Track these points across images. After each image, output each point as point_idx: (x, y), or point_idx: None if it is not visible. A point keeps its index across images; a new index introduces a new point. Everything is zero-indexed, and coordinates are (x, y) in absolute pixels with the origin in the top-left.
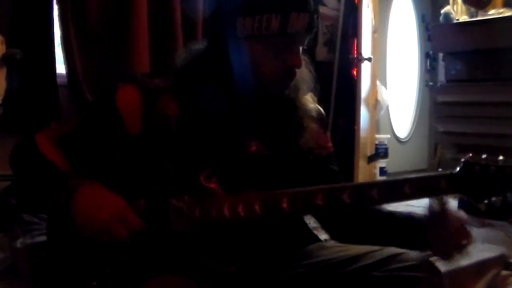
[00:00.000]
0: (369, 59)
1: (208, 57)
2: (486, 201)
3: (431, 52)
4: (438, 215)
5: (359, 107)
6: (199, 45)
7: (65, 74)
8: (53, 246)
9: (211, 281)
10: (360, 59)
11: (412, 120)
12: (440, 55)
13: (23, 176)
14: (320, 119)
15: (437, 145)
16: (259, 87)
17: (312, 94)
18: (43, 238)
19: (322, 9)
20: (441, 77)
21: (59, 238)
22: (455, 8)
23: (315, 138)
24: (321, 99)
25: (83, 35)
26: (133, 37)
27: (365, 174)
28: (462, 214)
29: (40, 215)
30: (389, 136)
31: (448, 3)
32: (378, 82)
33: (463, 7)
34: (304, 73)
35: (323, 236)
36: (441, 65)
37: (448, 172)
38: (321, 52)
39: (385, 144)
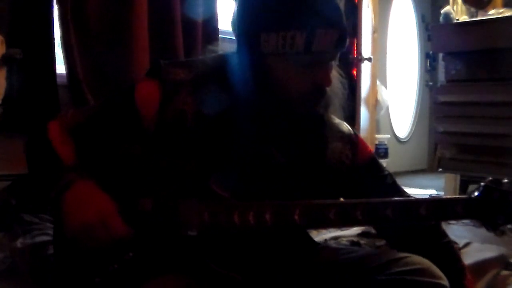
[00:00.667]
0: (369, 59)
1: (234, 65)
2: (501, 228)
3: (431, 52)
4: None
5: (359, 107)
6: (233, 51)
7: (65, 74)
8: (58, 241)
9: (214, 285)
10: (360, 59)
11: (412, 120)
12: (440, 55)
13: (29, 162)
14: (349, 141)
15: (437, 145)
16: (284, 104)
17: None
18: (43, 238)
19: None
20: (441, 77)
21: (63, 233)
22: (455, 8)
23: (338, 157)
24: None
25: (83, 35)
26: (133, 37)
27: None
28: None
29: (40, 215)
30: (389, 136)
31: (448, 3)
32: (378, 82)
33: (463, 7)
34: (337, 88)
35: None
36: (441, 65)
37: (466, 196)
38: None
39: (385, 144)
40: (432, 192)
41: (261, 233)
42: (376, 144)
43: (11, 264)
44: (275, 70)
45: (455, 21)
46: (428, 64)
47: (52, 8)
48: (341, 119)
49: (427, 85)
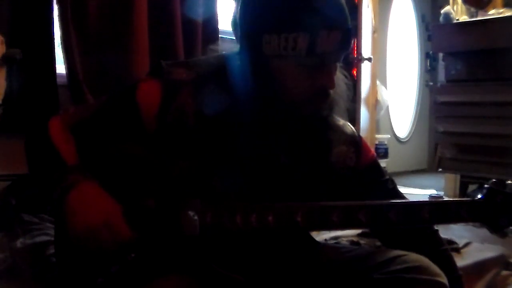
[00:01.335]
0: (369, 59)
1: (235, 66)
2: (504, 230)
3: (431, 52)
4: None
5: (359, 107)
6: (235, 52)
7: (65, 74)
8: (60, 241)
9: (216, 286)
10: (360, 59)
11: (412, 120)
12: (440, 55)
13: (29, 160)
14: (353, 143)
15: (437, 145)
16: (287, 107)
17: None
18: (43, 238)
19: None
20: (441, 77)
21: (65, 232)
22: (455, 8)
23: (342, 159)
24: None
25: (83, 35)
26: (133, 37)
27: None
28: None
29: (40, 215)
30: (389, 136)
31: (448, 3)
32: (378, 82)
33: (463, 7)
34: (341, 90)
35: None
36: (441, 65)
37: (469, 199)
38: None
39: (385, 144)
40: (432, 192)
41: (263, 234)
42: (376, 144)
43: (11, 264)
44: (277, 72)
45: (455, 21)
46: (428, 64)
47: (52, 8)
48: (345, 120)
49: (427, 85)
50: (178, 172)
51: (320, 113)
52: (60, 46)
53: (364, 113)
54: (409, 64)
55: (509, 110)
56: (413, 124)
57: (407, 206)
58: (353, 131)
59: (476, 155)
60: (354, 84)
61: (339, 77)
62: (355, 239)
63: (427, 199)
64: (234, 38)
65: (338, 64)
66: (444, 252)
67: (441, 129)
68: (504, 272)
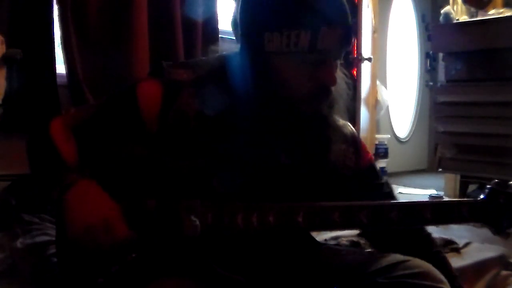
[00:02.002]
0: (369, 59)
1: (236, 65)
2: (507, 231)
3: (431, 52)
4: None
5: (359, 107)
6: (236, 52)
7: (65, 74)
8: (61, 240)
9: (216, 287)
10: (360, 59)
11: (412, 120)
12: (440, 55)
13: (31, 160)
14: (352, 142)
15: (437, 145)
16: (289, 104)
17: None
18: (43, 238)
19: None
20: (441, 77)
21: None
22: (455, 8)
23: (342, 158)
24: None
25: (83, 35)
26: (133, 37)
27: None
28: None
29: (40, 215)
30: (389, 136)
31: (448, 3)
32: (378, 82)
33: (463, 7)
34: (341, 88)
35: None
36: (441, 65)
37: (471, 199)
38: None
39: (385, 144)
40: (432, 192)
41: (264, 235)
42: (376, 144)
43: (11, 264)
44: (278, 70)
45: (455, 21)
46: (428, 64)
47: (52, 8)
48: (345, 120)
49: (427, 85)
50: (178, 173)
51: (321, 111)
52: (60, 46)
53: (364, 113)
54: (409, 64)
55: (509, 110)
56: (413, 124)
57: (409, 206)
58: (353, 132)
59: (476, 155)
60: (354, 84)
61: (340, 76)
62: (355, 239)
63: (427, 199)
64: (234, 38)
65: (339, 62)
66: (437, 254)
67: (441, 129)
68: (504, 272)
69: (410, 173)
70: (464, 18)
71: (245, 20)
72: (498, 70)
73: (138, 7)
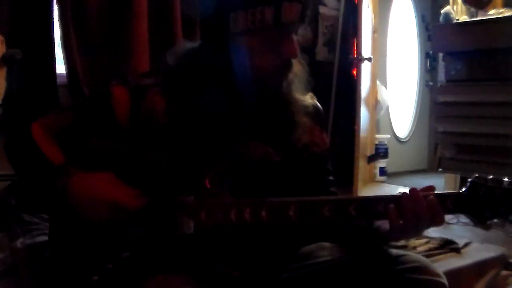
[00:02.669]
0: (369, 59)
1: (202, 55)
2: (488, 222)
3: (431, 52)
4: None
5: (359, 107)
6: (193, 44)
7: (65, 74)
8: (55, 239)
9: (212, 283)
10: (360, 59)
11: (412, 120)
12: (440, 55)
13: (16, 164)
14: (316, 115)
15: (437, 145)
16: (257, 82)
17: (311, 93)
18: (43, 238)
19: (322, 9)
20: (441, 77)
21: (61, 230)
22: (455, 8)
23: (309, 134)
24: (321, 99)
25: (83, 35)
26: (133, 37)
27: (365, 174)
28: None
29: (40, 215)
30: (389, 136)
31: (448, 3)
32: (378, 82)
33: (463, 7)
34: (296, 68)
35: None
36: (441, 65)
37: (455, 192)
38: (321, 52)
39: (385, 144)
40: None
41: (257, 230)
42: (376, 144)
43: (11, 264)
44: (246, 49)
45: (455, 21)
46: (428, 64)
47: (52, 8)
48: (313, 99)
49: (427, 85)
50: (168, 170)
51: (282, 87)
52: (60, 46)
53: (364, 113)
54: (409, 64)
55: (509, 110)
56: (413, 124)
57: (396, 199)
58: (318, 107)
59: (476, 155)
60: (352, 83)
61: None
62: None
63: None
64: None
65: (295, 37)
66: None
67: (441, 129)
68: (504, 272)
69: (410, 173)
70: (464, 18)
71: (209, 4)
72: (498, 70)
73: (138, 7)
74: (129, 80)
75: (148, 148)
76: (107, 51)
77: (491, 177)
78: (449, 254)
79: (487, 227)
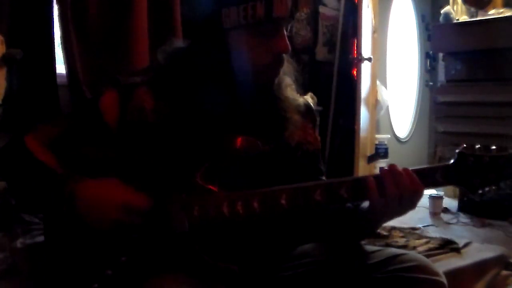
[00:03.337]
0: (369, 59)
1: (194, 53)
2: (480, 191)
3: (431, 52)
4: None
5: (359, 107)
6: (184, 42)
7: (65, 74)
8: (52, 248)
9: (211, 280)
10: (360, 59)
11: (412, 120)
12: (440, 55)
13: (12, 177)
14: (308, 113)
15: (437, 145)
16: (249, 77)
17: (311, 93)
18: (43, 238)
19: (322, 9)
20: (441, 77)
21: (59, 239)
22: (455, 8)
23: (301, 131)
24: (321, 99)
25: (83, 35)
26: (133, 37)
27: (365, 174)
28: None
29: (40, 215)
30: (389, 136)
31: (448, 3)
32: (378, 82)
33: (463, 7)
34: (285, 67)
35: None
36: (441, 65)
37: (443, 164)
38: (321, 52)
39: (385, 144)
40: (432, 191)
41: (255, 224)
42: (376, 144)
43: (11, 264)
44: (238, 45)
45: (455, 21)
46: (428, 64)
47: (52, 8)
48: (313, 99)
49: (427, 85)
50: (159, 171)
51: (275, 83)
52: (60, 46)
53: (364, 113)
54: (409, 64)
55: (509, 110)
56: (413, 124)
57: (386, 176)
58: (310, 105)
59: None
60: (352, 83)
61: (286, 59)
62: None
63: (427, 199)
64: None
65: (286, 34)
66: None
67: (441, 129)
68: (504, 272)
69: None
70: (464, 18)
71: (201, 1)
72: (498, 70)
73: (138, 7)
74: (119, 80)
75: (137, 147)
76: (107, 51)
77: (479, 146)
78: (449, 254)
79: (479, 196)
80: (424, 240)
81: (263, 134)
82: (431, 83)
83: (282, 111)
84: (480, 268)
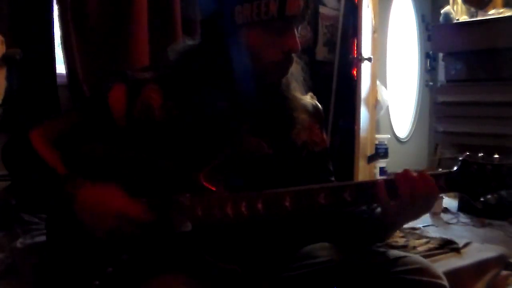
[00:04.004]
0: (369, 59)
1: (204, 51)
2: (482, 199)
3: (431, 52)
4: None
5: (359, 107)
6: (194, 41)
7: (65, 74)
8: (54, 246)
9: (213, 280)
10: (360, 59)
11: (412, 120)
12: (440, 55)
13: (15, 172)
14: (315, 114)
15: (437, 145)
16: (257, 77)
17: (311, 93)
18: (43, 238)
19: (322, 9)
20: (441, 77)
21: (61, 237)
22: (455, 8)
23: (308, 131)
24: (321, 99)
25: (83, 35)
26: (133, 37)
27: (365, 174)
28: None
29: (40, 215)
30: (389, 136)
31: (448, 3)
32: (378, 82)
33: (463, 7)
34: (293, 68)
35: None
36: (441, 65)
37: (446, 171)
38: (321, 52)
39: (385, 144)
40: None
41: (258, 224)
42: (376, 144)
43: (11, 264)
44: (250, 42)
45: (455, 21)
46: (428, 64)
47: (52, 8)
48: (313, 99)
49: (427, 85)
50: (164, 170)
51: (283, 82)
52: (60, 46)
53: (364, 113)
54: (409, 64)
55: (509, 110)
56: (413, 124)
57: (390, 182)
58: (317, 106)
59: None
60: (352, 83)
61: (295, 59)
62: None
63: None
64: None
65: (297, 33)
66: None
67: (441, 129)
68: (504, 272)
69: None
70: (464, 18)
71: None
72: (498, 70)
73: (138, 7)
74: (128, 75)
75: (142, 145)
76: (107, 51)
77: (482, 154)
78: (449, 254)
79: (481, 204)
80: (424, 240)
81: (270, 132)
82: (431, 83)
83: (290, 110)
84: (480, 268)
